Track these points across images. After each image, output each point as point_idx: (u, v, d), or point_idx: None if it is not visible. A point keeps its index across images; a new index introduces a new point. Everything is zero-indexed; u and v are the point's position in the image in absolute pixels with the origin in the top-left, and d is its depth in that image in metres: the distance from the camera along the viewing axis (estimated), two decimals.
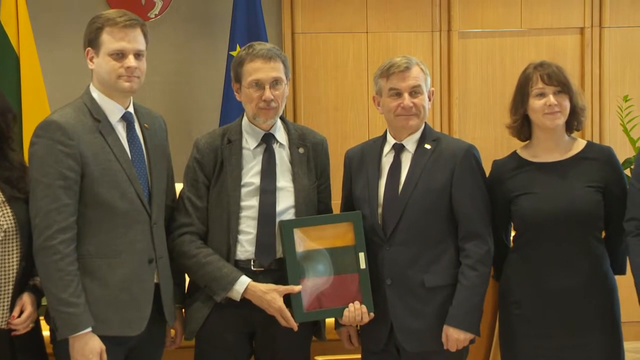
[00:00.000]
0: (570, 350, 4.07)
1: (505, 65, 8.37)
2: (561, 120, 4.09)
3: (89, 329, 3.69)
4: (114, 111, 3.93)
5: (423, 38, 8.35)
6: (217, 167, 4.20)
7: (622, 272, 4.20)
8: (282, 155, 4.25)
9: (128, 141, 3.97)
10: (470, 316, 4.05)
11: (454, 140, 4.38)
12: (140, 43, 3.91)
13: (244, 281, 4.01)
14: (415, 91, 4.15)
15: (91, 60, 3.92)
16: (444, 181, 4.13)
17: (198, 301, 4.17)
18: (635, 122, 7.65)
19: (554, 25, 8.51)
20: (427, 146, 4.19)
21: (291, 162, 4.24)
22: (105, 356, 3.73)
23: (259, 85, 4.09)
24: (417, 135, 4.22)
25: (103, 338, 3.75)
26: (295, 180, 4.21)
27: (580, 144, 4.19)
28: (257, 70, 4.09)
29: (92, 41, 3.89)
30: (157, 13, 7.96)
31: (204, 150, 4.23)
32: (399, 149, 4.22)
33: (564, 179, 4.11)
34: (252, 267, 4.11)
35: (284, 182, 4.20)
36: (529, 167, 4.18)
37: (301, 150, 4.27)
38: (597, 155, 4.16)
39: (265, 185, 4.16)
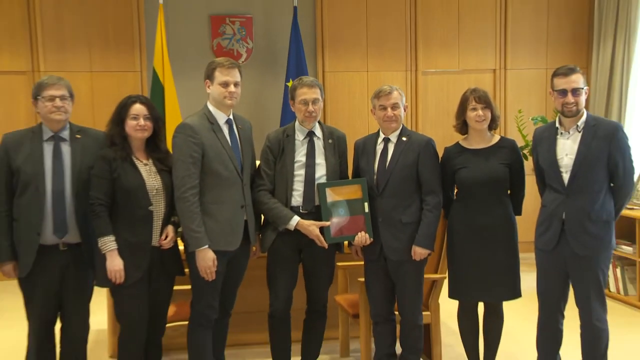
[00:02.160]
0: (488, 258, 4.23)
1: (449, 91, 8.29)
2: (485, 124, 4.22)
3: (207, 246, 3.92)
4: (221, 118, 4.12)
5: (400, 75, 8.31)
6: (280, 150, 4.31)
7: (519, 214, 4.35)
8: (319, 144, 4.35)
9: (229, 136, 4.14)
10: (429, 240, 4.21)
11: (420, 135, 4.42)
12: (237, 77, 4.10)
13: (296, 218, 4.16)
14: (394, 106, 4.25)
15: (208, 87, 4.12)
16: (413, 160, 4.24)
17: (269, 230, 4.30)
18: (525, 125, 7.74)
19: (478, 68, 8.49)
20: (404, 138, 4.29)
21: (324, 148, 4.35)
22: (216, 262, 3.94)
23: (305, 102, 4.23)
24: (397, 132, 4.31)
25: (215, 252, 3.95)
26: (326, 159, 4.33)
27: (496, 138, 4.31)
28: (304, 93, 4.24)
29: (209, 76, 4.09)
30: (243, 60, 7.94)
31: (272, 140, 4.36)
32: (386, 140, 4.32)
33: (486, 159, 4.23)
34: (300, 210, 4.23)
35: (320, 160, 4.32)
36: (466, 152, 4.30)
37: (330, 141, 4.37)
38: (507, 145, 4.29)
39: (308, 162, 4.29)
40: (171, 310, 4.35)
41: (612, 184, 4.05)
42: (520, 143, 8.04)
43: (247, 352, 5.06)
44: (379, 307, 4.43)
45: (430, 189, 4.26)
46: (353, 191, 4.25)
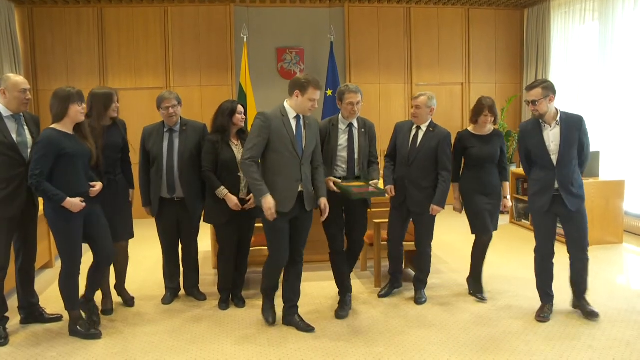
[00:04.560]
0: (488, 204, 4.05)
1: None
2: (490, 122, 4.07)
3: (268, 194, 3.31)
4: (291, 114, 3.41)
5: (401, 87, 7.99)
6: (326, 135, 3.81)
7: (506, 180, 4.14)
8: (355, 133, 3.84)
9: (295, 127, 3.41)
10: (442, 201, 3.93)
11: (442, 128, 4.02)
12: (320, 95, 3.48)
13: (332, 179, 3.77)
14: (418, 106, 3.92)
15: (297, 96, 3.39)
16: (435, 145, 3.91)
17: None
18: None
19: (451, 82, 8.15)
20: (431, 129, 3.96)
21: (358, 135, 3.84)
22: (275, 207, 3.33)
23: (351, 104, 3.74)
24: (427, 124, 3.96)
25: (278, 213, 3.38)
26: (359, 143, 3.84)
27: (492, 128, 4.12)
28: (351, 97, 3.74)
29: (302, 89, 3.36)
30: None
31: (322, 128, 3.78)
32: (418, 128, 3.98)
33: (486, 142, 4.06)
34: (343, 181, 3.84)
35: (356, 144, 3.85)
36: (474, 137, 4.09)
37: (363, 130, 3.86)
38: (497, 134, 4.12)
39: (350, 145, 3.83)
40: (253, 239, 4.26)
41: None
42: None
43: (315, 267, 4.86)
44: (396, 234, 4.16)
45: (445, 167, 3.93)
46: (361, 183, 3.81)
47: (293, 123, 3.44)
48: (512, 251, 5.61)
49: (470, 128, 4.17)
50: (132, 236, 4.01)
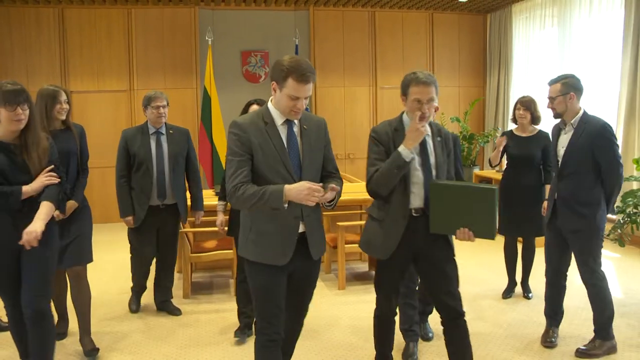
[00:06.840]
0: (527, 213, 3.96)
1: (398, 100, 7.98)
2: (526, 120, 4.05)
3: (283, 186, 2.15)
4: (279, 119, 2.26)
5: (365, 89, 8.03)
6: (390, 143, 2.53)
7: (547, 183, 3.91)
8: (430, 142, 2.57)
9: (287, 138, 2.27)
10: None
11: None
12: (309, 91, 2.23)
13: (406, 152, 2.52)
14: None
15: (274, 89, 2.24)
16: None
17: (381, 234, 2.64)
18: (445, 123, 7.56)
19: None
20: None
21: (434, 147, 2.57)
22: (311, 184, 2.13)
23: (419, 102, 2.47)
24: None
25: (266, 265, 2.28)
26: (437, 157, 2.55)
27: (535, 130, 4.09)
28: (418, 92, 2.46)
29: (280, 81, 2.21)
30: (262, 80, 7.65)
31: (380, 133, 2.56)
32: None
33: (524, 144, 4.04)
34: (413, 213, 2.57)
35: (432, 159, 2.55)
36: (514, 137, 4.11)
37: (439, 139, 2.58)
38: (544, 135, 4.01)
39: (424, 161, 2.53)
40: None
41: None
42: None
43: None
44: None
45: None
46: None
47: (283, 132, 2.31)
48: (475, 252, 5.70)
49: (514, 129, 4.17)
50: (90, 260, 3.32)
